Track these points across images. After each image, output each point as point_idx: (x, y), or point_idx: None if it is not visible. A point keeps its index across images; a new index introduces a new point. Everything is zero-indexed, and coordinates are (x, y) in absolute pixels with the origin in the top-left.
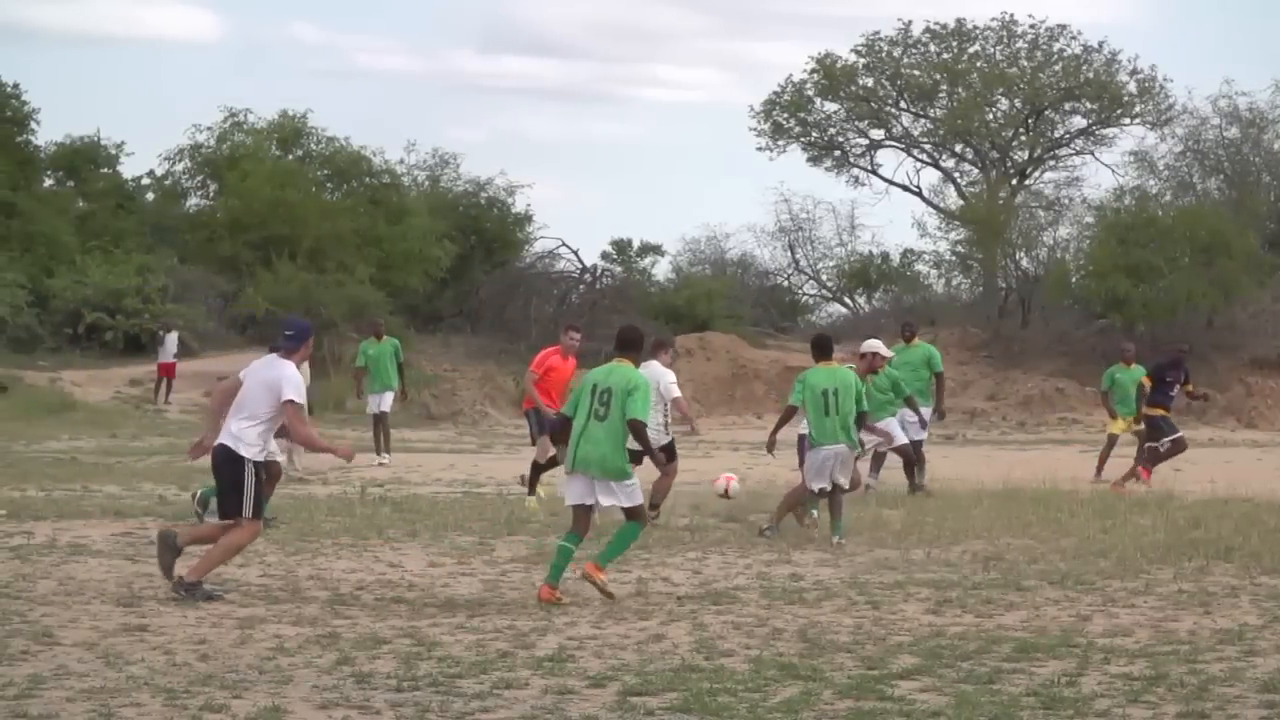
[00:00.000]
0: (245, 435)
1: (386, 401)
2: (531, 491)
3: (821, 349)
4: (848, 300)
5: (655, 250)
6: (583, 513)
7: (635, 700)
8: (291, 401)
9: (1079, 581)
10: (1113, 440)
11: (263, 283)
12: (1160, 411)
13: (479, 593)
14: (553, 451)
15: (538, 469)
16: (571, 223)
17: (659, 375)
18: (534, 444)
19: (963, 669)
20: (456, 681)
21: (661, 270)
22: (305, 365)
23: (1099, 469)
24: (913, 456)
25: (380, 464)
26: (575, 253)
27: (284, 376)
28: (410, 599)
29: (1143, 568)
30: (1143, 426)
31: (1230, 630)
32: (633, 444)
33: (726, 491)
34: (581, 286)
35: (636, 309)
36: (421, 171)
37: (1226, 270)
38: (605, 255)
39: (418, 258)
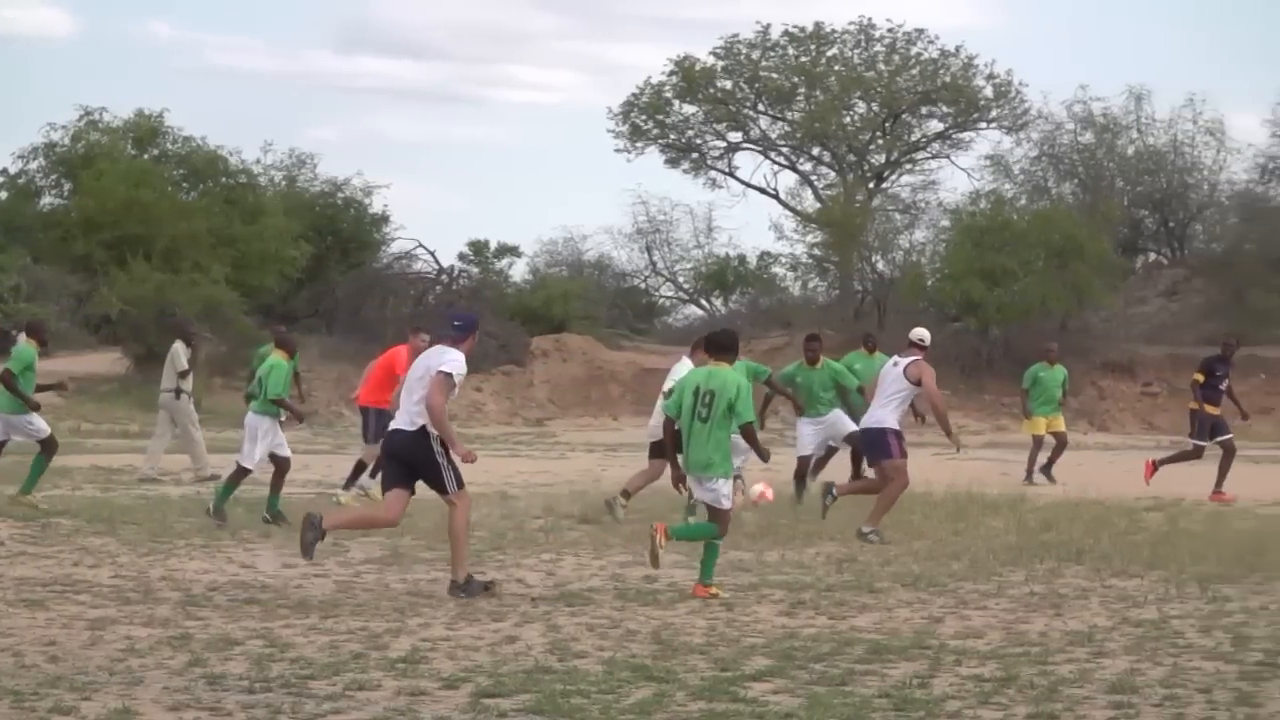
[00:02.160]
0: (419, 419)
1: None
2: (347, 488)
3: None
4: (704, 302)
5: (512, 251)
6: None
7: (488, 702)
8: (444, 373)
9: (931, 584)
10: (1037, 442)
11: (117, 282)
12: (1213, 410)
13: (332, 594)
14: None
15: (362, 467)
16: (429, 224)
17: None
18: (366, 442)
19: (815, 670)
20: (309, 683)
21: (518, 271)
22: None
23: (1029, 472)
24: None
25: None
26: (432, 254)
27: (448, 355)
28: (263, 600)
29: (994, 570)
30: (1192, 424)
31: (1080, 632)
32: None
33: (758, 500)
34: (438, 287)
35: (493, 310)
36: (278, 171)
37: (1080, 274)
38: (462, 256)
39: (273, 258)
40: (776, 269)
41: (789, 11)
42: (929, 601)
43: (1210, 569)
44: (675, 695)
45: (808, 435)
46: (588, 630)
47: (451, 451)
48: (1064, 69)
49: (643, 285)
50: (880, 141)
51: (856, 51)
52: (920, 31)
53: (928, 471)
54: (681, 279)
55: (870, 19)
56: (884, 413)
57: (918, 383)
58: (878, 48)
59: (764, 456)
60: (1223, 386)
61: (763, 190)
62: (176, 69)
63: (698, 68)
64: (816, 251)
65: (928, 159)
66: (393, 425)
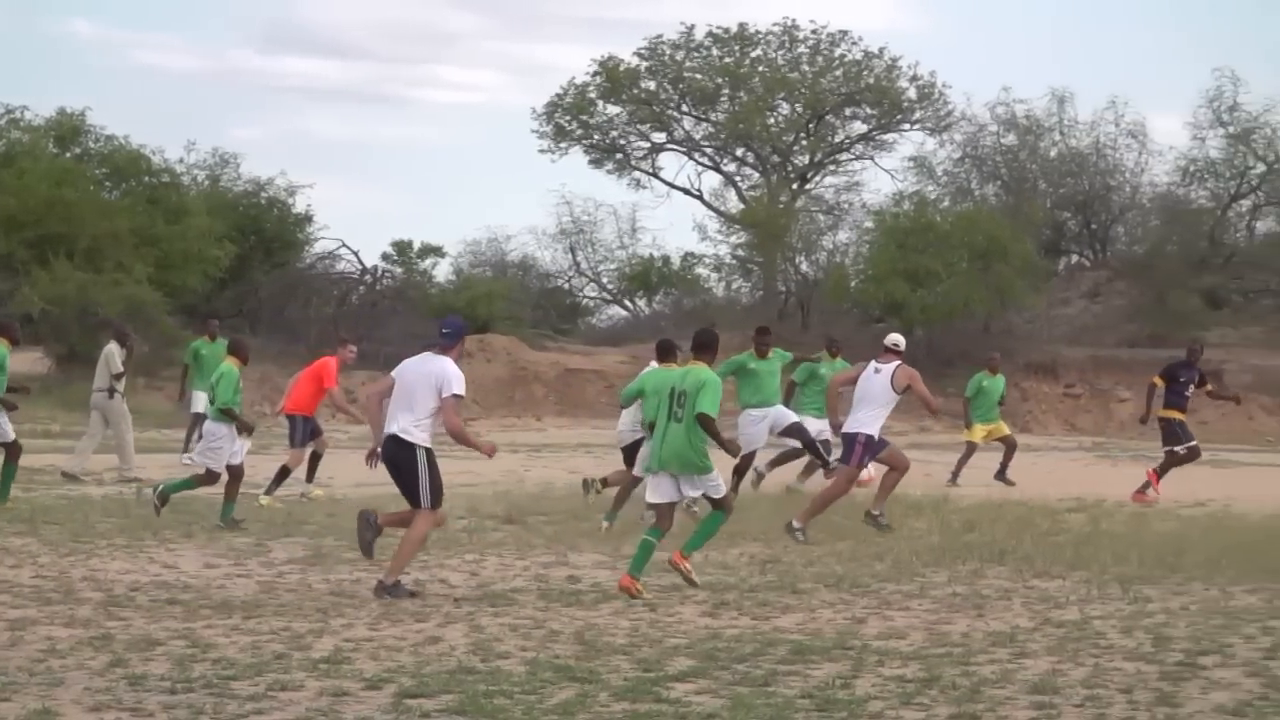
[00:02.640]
0: (413, 429)
1: None
2: (269, 492)
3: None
4: (628, 303)
5: (436, 251)
6: (666, 509)
7: (411, 702)
8: (455, 395)
9: (854, 584)
10: (971, 448)
11: (38, 282)
12: (1176, 415)
13: (255, 594)
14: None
15: (287, 472)
16: (352, 224)
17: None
18: (293, 446)
19: (738, 671)
20: (231, 683)
21: (442, 271)
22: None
23: (955, 474)
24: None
25: (187, 462)
26: (355, 254)
27: (446, 372)
28: (185, 600)
29: (917, 571)
30: (1160, 430)
31: (1002, 632)
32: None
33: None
34: (361, 287)
35: (416, 310)
36: (201, 171)
37: (1003, 276)
38: (386, 256)
39: (196, 257)
40: (700, 270)
41: (713, 12)
42: (852, 602)
43: (1132, 570)
44: (598, 696)
45: (751, 429)
46: (511, 631)
47: (475, 448)
48: (987, 71)
49: (567, 286)
50: (804, 142)
51: (780, 53)
52: (844, 33)
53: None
54: (605, 279)
55: (794, 20)
56: (868, 419)
57: (905, 389)
58: (802, 49)
59: (730, 450)
60: (1188, 392)
61: (687, 191)
62: (99, 68)
63: (622, 68)
64: (740, 252)
65: (851, 160)
66: (387, 431)
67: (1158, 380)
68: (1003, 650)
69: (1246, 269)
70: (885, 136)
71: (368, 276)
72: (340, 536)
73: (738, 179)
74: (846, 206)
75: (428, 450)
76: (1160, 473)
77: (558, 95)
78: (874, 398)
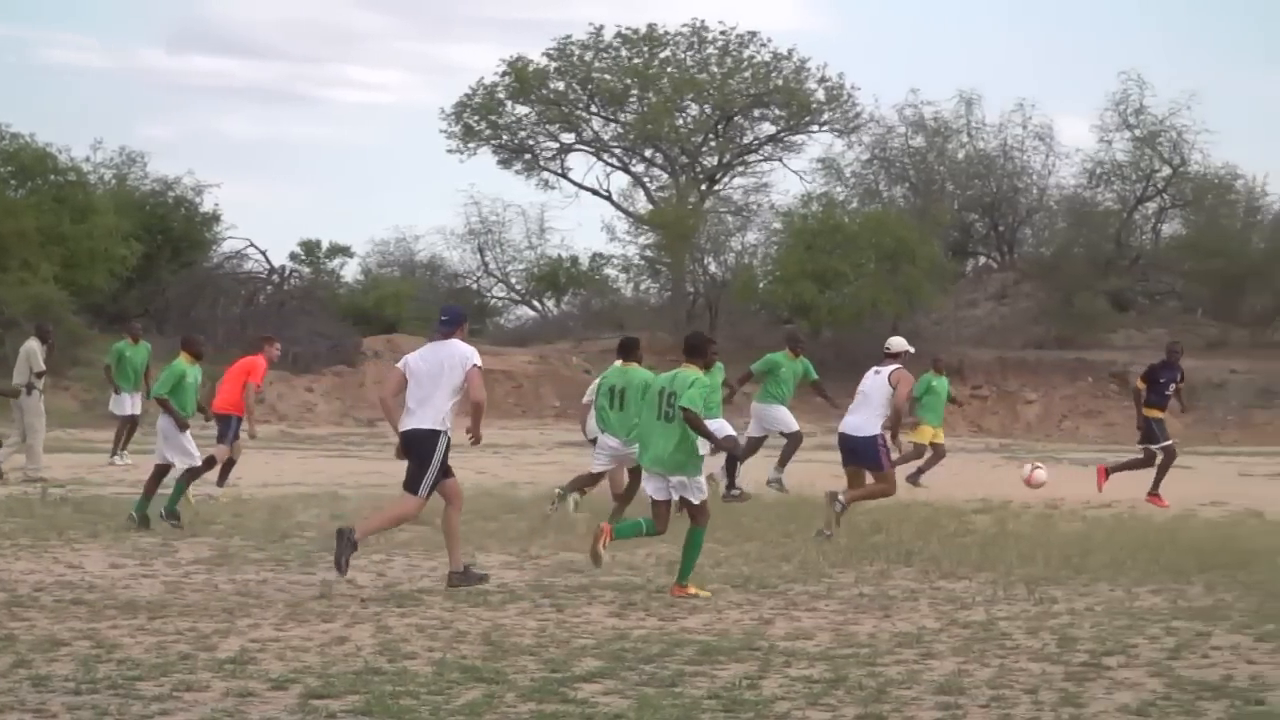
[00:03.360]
0: (438, 417)
1: (139, 403)
2: (220, 484)
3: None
4: (536, 303)
5: (344, 251)
6: (663, 508)
7: (317, 703)
8: (476, 365)
9: (762, 585)
10: (920, 450)
11: None
12: (1156, 414)
13: (161, 594)
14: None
15: (214, 463)
16: (260, 223)
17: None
18: (221, 443)
19: (645, 672)
20: (136, 684)
21: (350, 272)
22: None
23: (916, 475)
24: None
25: (119, 463)
26: (264, 253)
27: (463, 349)
28: (90, 600)
29: (824, 571)
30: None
31: (909, 633)
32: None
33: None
34: (269, 287)
35: (324, 310)
36: (108, 170)
37: (911, 277)
38: (294, 256)
39: (103, 256)
40: (609, 270)
41: (622, 13)
42: (759, 603)
43: (1038, 571)
44: (505, 696)
45: (774, 414)
46: (418, 631)
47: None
48: (895, 73)
49: (475, 286)
50: (713, 143)
51: (689, 54)
52: (753, 34)
53: (759, 473)
54: (514, 280)
55: (703, 21)
56: (868, 422)
57: (896, 387)
58: (710, 50)
59: (722, 445)
60: (1169, 391)
61: (595, 192)
62: (4, 65)
63: (530, 69)
64: (649, 253)
65: (760, 161)
66: (409, 425)
67: (1140, 383)
68: (909, 651)
69: (1152, 271)
70: (794, 138)
71: (275, 276)
72: (247, 537)
73: (646, 180)
74: (755, 208)
75: (448, 438)
76: (1114, 470)
77: (466, 95)
78: (873, 397)
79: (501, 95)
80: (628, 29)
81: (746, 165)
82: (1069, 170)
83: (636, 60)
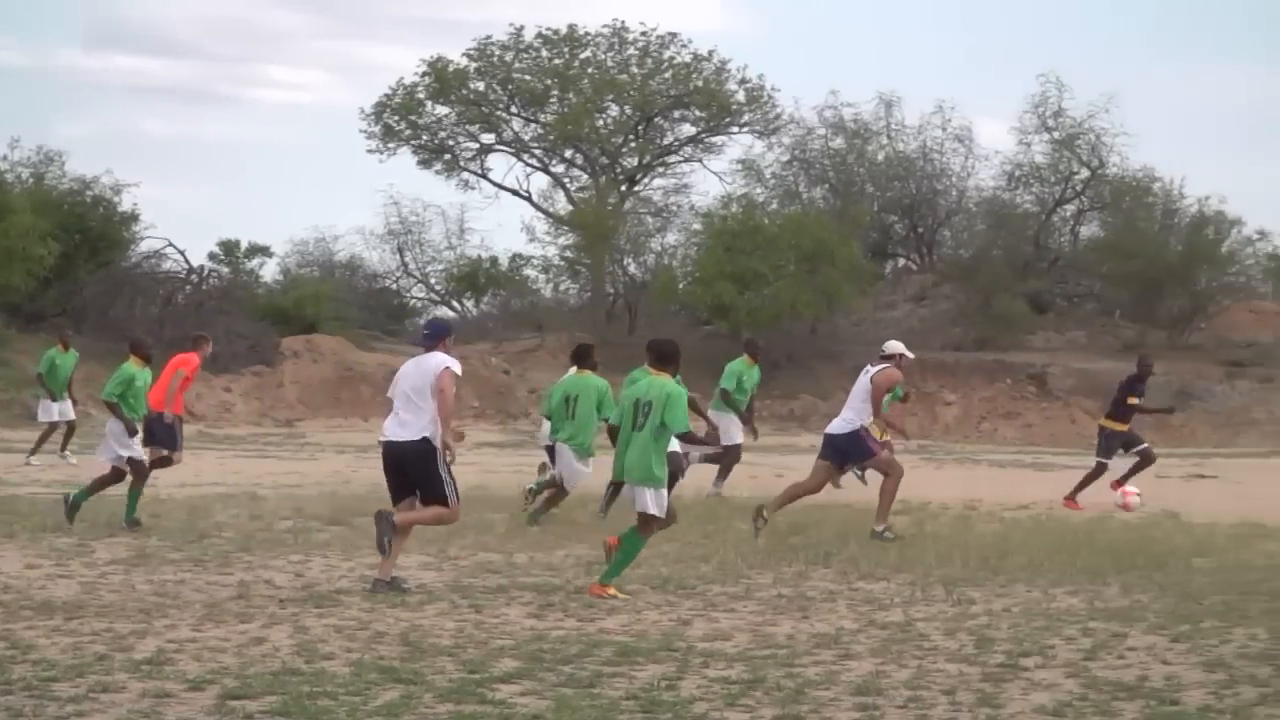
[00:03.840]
0: (423, 430)
1: (70, 409)
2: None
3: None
4: (456, 304)
5: (263, 251)
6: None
7: (234, 704)
8: (449, 369)
9: (680, 586)
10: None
11: None
12: (1118, 428)
13: (77, 595)
14: (165, 453)
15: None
16: (179, 223)
17: None
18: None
19: (563, 673)
20: (51, 685)
21: (269, 271)
22: None
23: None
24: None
25: (67, 462)
26: (182, 253)
27: (439, 359)
28: (5, 601)
29: (743, 573)
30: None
31: (827, 634)
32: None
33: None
34: (188, 287)
35: (243, 310)
36: (25, 169)
37: (830, 279)
38: (212, 256)
39: (20, 256)
40: (528, 271)
41: (543, 14)
42: (677, 604)
43: (956, 572)
44: (423, 697)
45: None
46: (336, 632)
47: (448, 451)
48: (815, 75)
49: (394, 286)
50: (633, 144)
51: (610, 55)
52: (673, 35)
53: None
54: (433, 280)
55: (624, 22)
56: (845, 419)
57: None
58: (631, 51)
59: (711, 440)
60: (1133, 402)
61: (515, 192)
62: None
63: (451, 69)
64: (568, 254)
65: (680, 162)
66: (394, 437)
67: (1133, 399)
68: (827, 652)
69: (1070, 273)
70: (714, 139)
71: (194, 276)
72: (164, 537)
73: (566, 180)
74: (675, 209)
75: (438, 448)
76: (1082, 485)
77: (386, 95)
78: (856, 394)
79: (422, 95)
80: (548, 30)
81: (666, 166)
82: (988, 172)
83: (557, 61)
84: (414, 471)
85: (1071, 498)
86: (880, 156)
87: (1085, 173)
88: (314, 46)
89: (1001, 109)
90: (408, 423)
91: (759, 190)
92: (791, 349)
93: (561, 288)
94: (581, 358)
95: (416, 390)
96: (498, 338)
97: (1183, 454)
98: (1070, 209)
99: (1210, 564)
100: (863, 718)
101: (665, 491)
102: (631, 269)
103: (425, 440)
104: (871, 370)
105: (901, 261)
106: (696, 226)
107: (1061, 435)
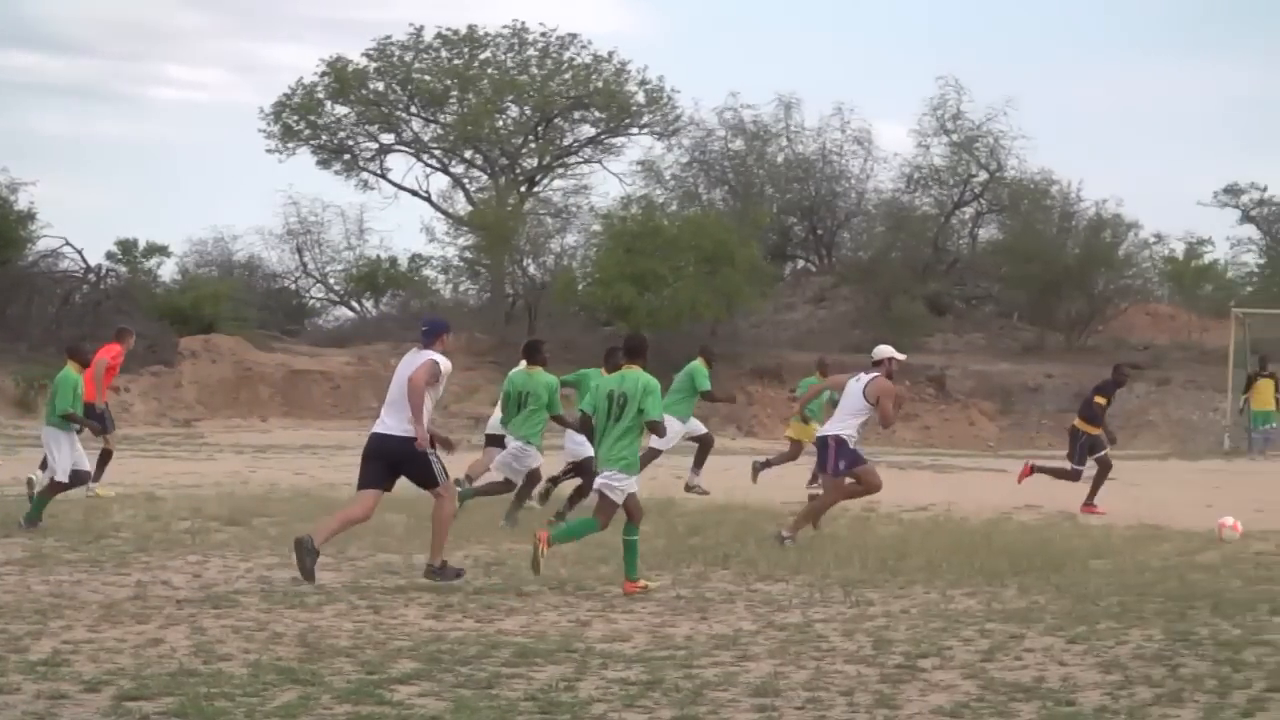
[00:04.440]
0: (404, 421)
1: None
2: (97, 479)
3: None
4: (355, 304)
5: (161, 251)
6: (632, 501)
7: (130, 705)
8: (433, 360)
9: (579, 587)
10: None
11: None
12: (1091, 430)
13: None
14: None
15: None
16: (76, 222)
17: None
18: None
19: (462, 674)
20: None
21: (167, 271)
22: None
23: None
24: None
25: None
26: (79, 252)
27: (422, 361)
28: None
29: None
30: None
31: (726, 635)
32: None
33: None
34: (85, 286)
35: (141, 310)
36: None
37: (730, 280)
38: (110, 255)
39: None
40: (428, 271)
41: (443, 14)
42: (576, 605)
43: (854, 573)
44: (321, 698)
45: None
46: (233, 633)
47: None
48: (715, 76)
49: (293, 286)
50: (533, 145)
51: (510, 55)
52: (573, 36)
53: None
54: (332, 280)
55: (524, 23)
56: (838, 425)
57: (876, 402)
58: (531, 52)
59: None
60: (1100, 402)
61: (415, 193)
62: None
63: (350, 69)
64: (468, 254)
65: (580, 163)
66: (380, 430)
67: (1100, 400)
68: (726, 653)
69: (969, 275)
70: (614, 140)
71: (91, 275)
72: (61, 538)
73: (466, 181)
74: (574, 209)
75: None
76: (1043, 475)
77: (285, 95)
78: (846, 406)
79: (321, 95)
80: (448, 30)
81: (566, 167)
82: (887, 175)
83: (457, 61)
84: (402, 463)
85: (1089, 504)
86: (780, 158)
87: (984, 175)
88: (213, 45)
89: (900, 112)
90: (395, 415)
91: (659, 191)
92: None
93: (461, 288)
94: (531, 353)
95: (402, 386)
96: (397, 338)
97: None
98: (969, 211)
99: (1107, 566)
100: (761, 719)
101: (634, 480)
102: (531, 270)
103: (408, 436)
104: (864, 379)
105: (801, 263)
106: (596, 227)
107: (960, 437)
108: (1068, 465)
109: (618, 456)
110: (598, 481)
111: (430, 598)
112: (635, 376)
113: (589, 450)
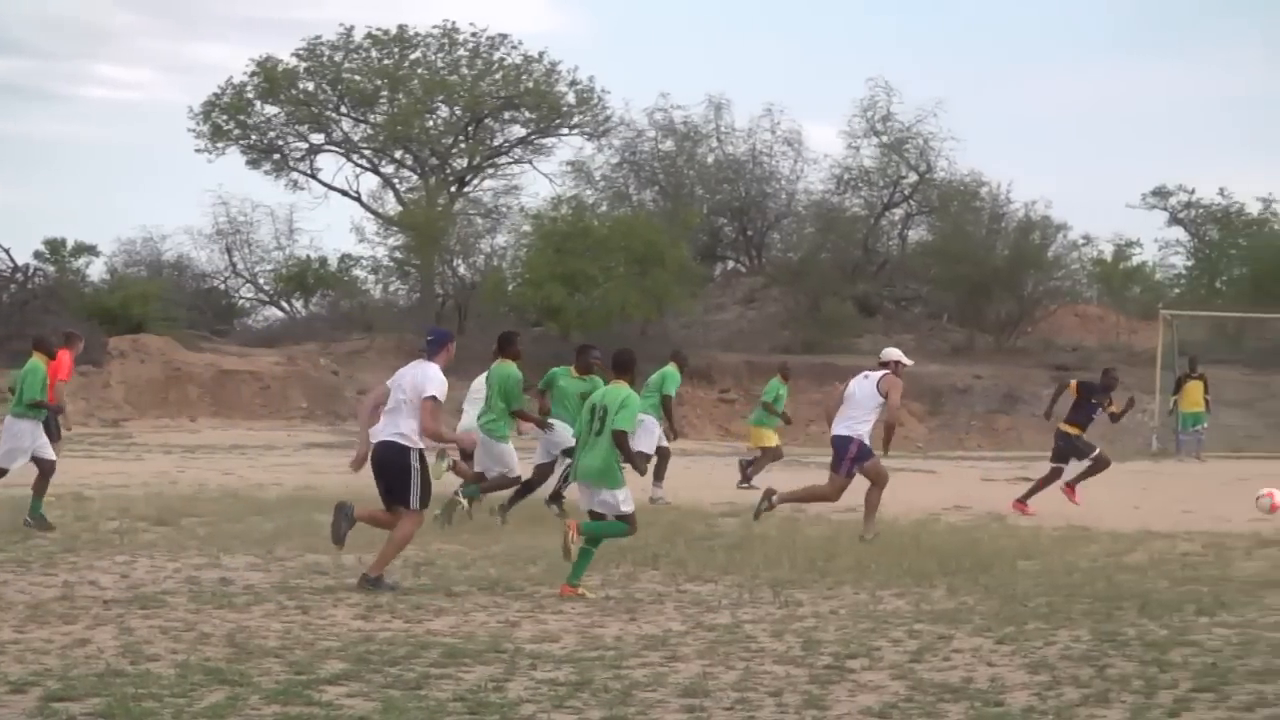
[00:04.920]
0: (408, 433)
1: None
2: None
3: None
4: (285, 304)
5: (90, 250)
6: (596, 517)
7: (57, 705)
8: (432, 398)
9: (508, 588)
10: (769, 453)
11: None
12: (1074, 430)
13: None
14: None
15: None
16: (3, 221)
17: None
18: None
19: (390, 674)
20: None
21: (96, 271)
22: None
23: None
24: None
25: None
26: (6, 251)
27: (428, 375)
28: None
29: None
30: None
31: (655, 636)
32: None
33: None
34: (13, 286)
35: (69, 310)
36: None
37: (660, 281)
38: (38, 255)
39: None
40: (358, 272)
41: (374, 14)
42: (506, 605)
43: (783, 574)
44: (249, 699)
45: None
46: (161, 633)
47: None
48: (646, 77)
49: (223, 286)
50: (463, 145)
51: (440, 55)
52: (504, 36)
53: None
54: (262, 280)
55: (454, 23)
56: (853, 423)
57: (886, 395)
58: (461, 52)
59: (636, 466)
60: (1095, 415)
61: (345, 193)
62: None
63: (280, 69)
64: (398, 255)
65: (510, 164)
66: (379, 437)
67: (1073, 387)
68: (655, 654)
69: (899, 277)
70: (544, 140)
71: (19, 275)
72: None
73: (396, 181)
74: (505, 210)
75: (420, 452)
76: (1035, 489)
77: (215, 95)
78: (859, 404)
79: (251, 95)
80: (378, 30)
81: (497, 167)
82: (817, 176)
83: (387, 61)
84: (386, 469)
85: (1070, 487)
86: (710, 159)
87: (913, 177)
88: (143, 45)
89: (831, 113)
90: (391, 426)
91: (589, 192)
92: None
93: (391, 288)
94: (502, 345)
95: (402, 394)
96: (326, 338)
97: (1009, 457)
98: (899, 213)
99: (1035, 566)
100: (690, 719)
101: (627, 491)
102: (461, 270)
103: (403, 447)
104: (874, 376)
105: (731, 264)
106: (526, 228)
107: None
108: (1060, 467)
109: (598, 470)
110: (598, 507)
111: (359, 599)
112: (618, 392)
113: (568, 443)
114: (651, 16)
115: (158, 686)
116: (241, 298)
